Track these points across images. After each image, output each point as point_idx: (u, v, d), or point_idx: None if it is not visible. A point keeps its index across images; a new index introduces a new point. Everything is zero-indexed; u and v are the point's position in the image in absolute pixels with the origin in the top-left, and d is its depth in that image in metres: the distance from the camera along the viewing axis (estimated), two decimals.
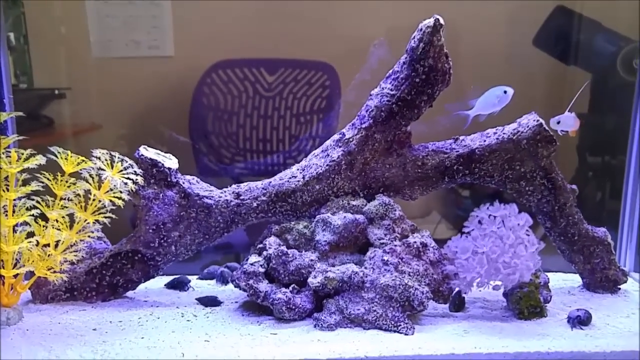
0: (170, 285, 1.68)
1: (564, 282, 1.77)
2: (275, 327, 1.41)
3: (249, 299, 1.49)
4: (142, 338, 1.34)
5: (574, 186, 1.60)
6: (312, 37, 2.29)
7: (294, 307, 1.42)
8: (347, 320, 1.40)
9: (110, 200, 1.37)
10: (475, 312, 1.53)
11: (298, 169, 1.54)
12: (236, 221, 1.54)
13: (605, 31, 2.14)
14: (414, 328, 1.39)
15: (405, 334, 1.37)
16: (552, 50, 2.22)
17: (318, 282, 1.41)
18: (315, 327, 1.40)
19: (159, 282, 1.71)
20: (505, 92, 1.56)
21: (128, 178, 1.38)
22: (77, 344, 1.29)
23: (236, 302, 1.58)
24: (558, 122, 1.55)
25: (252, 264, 1.47)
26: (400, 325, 1.38)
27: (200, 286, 1.72)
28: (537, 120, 1.51)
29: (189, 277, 1.73)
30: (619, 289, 1.67)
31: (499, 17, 2.33)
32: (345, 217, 1.47)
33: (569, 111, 1.44)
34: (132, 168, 1.41)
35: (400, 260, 1.43)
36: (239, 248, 2.24)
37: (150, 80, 2.21)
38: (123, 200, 1.38)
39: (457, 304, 1.53)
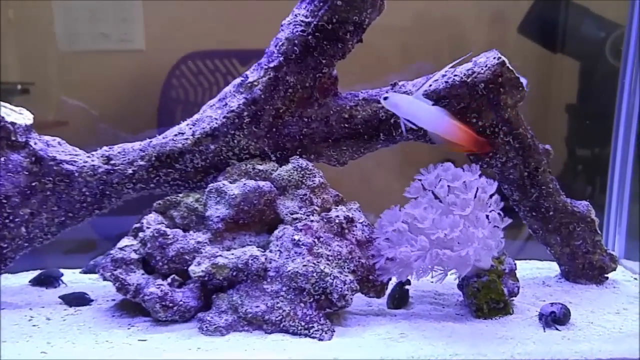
0: (35, 282, 1.32)
1: (537, 271, 1.44)
2: (148, 331, 1.07)
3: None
4: None
5: (547, 146, 1.26)
6: None
7: (171, 304, 1.06)
8: (243, 322, 1.05)
9: None
10: (422, 308, 1.19)
11: (188, 124, 1.18)
12: (108, 194, 1.17)
13: (593, 17, 1.99)
14: (332, 331, 1.04)
15: (320, 339, 1.02)
16: (538, 37, 2.07)
17: (202, 271, 1.05)
18: (200, 330, 1.04)
19: (24, 278, 1.35)
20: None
21: None
22: None
23: (113, 299, 1.22)
24: None
25: (121, 249, 1.12)
26: (313, 327, 1.03)
27: (78, 281, 1.36)
28: (498, 58, 1.16)
29: (64, 271, 1.36)
30: (606, 278, 1.35)
31: (482, 6, 2.13)
32: (244, 184, 1.11)
33: None
34: None
35: (316, 240, 1.08)
36: None
37: (119, 75, 2.05)
38: None
39: (398, 299, 1.19)
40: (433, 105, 1.12)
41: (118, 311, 1.16)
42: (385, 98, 1.11)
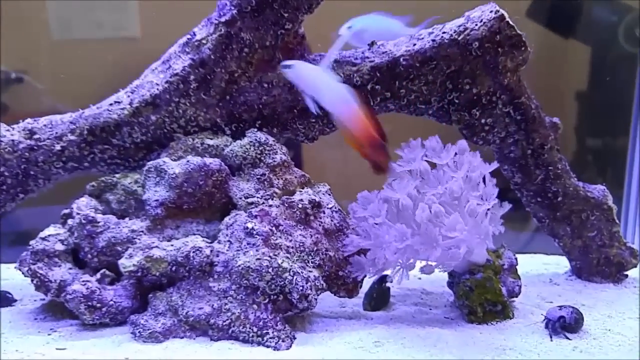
0: None
1: (544, 267, 1.28)
2: (71, 337, 0.91)
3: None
4: None
5: (555, 119, 1.07)
6: None
7: (99, 304, 0.89)
8: (184, 326, 0.87)
9: None
10: (404, 311, 1.02)
11: (126, 92, 1.01)
12: (32, 174, 1.00)
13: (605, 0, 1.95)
14: (292, 338, 0.87)
15: (275, 348, 0.85)
16: (547, 22, 2.00)
17: (134, 265, 0.87)
18: (133, 336, 0.87)
19: None
20: None
21: None
22: None
23: (42, 299, 1.05)
24: None
25: (43, 239, 0.94)
26: (267, 333, 0.85)
27: (10, 278, 1.19)
28: (496, 12, 0.98)
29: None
30: (626, 275, 1.18)
31: None
32: (188, 162, 0.93)
33: None
34: None
35: (274, 228, 0.90)
36: None
37: (114, 63, 1.94)
38: None
39: (376, 299, 1.02)
40: (343, 82, 0.92)
41: (43, 313, 0.99)
42: (288, 67, 0.91)
